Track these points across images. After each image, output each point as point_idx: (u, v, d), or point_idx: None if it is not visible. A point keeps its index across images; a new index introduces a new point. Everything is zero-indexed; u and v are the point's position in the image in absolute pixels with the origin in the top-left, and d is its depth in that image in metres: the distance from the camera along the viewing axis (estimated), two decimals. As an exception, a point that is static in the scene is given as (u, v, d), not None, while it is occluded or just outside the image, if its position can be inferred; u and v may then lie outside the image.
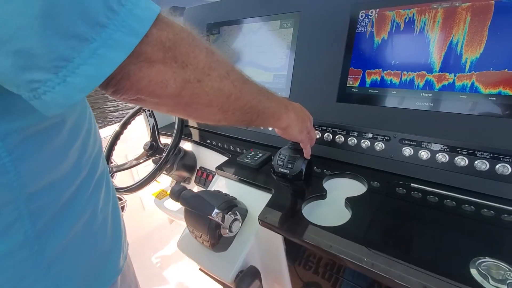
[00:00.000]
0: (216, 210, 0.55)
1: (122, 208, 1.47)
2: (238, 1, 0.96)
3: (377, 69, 0.66)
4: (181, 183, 1.01)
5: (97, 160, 0.45)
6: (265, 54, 0.86)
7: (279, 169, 0.67)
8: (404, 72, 0.63)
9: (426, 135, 0.59)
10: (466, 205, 0.52)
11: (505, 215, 0.49)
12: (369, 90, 0.67)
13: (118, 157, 1.28)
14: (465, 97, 0.56)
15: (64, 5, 0.22)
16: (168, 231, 1.42)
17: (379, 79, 0.66)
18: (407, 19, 0.62)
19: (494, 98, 0.53)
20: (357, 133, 0.68)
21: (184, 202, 0.56)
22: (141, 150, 0.93)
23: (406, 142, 0.61)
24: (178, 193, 0.56)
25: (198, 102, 0.34)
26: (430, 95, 0.59)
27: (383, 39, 0.65)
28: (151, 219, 1.60)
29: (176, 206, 0.98)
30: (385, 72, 0.65)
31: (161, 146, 0.92)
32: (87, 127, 0.42)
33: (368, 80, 0.67)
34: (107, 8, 0.24)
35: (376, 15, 0.66)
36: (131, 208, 1.48)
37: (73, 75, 0.23)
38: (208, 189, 0.77)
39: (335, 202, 0.59)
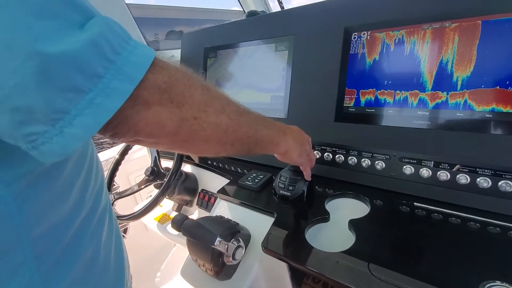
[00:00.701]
0: (218, 239, 0.54)
1: (125, 230, 1.45)
2: (234, 26, 0.99)
3: (370, 89, 0.67)
4: (183, 207, 1.00)
5: (100, 195, 0.45)
6: (262, 76, 0.88)
7: (280, 191, 0.67)
8: (398, 91, 0.64)
9: (425, 153, 0.59)
10: (472, 223, 0.52)
11: (511, 232, 0.48)
12: (366, 110, 0.67)
13: (119, 179, 1.28)
14: (462, 114, 0.56)
15: (60, 61, 0.22)
16: (172, 252, 1.40)
17: (373, 98, 0.67)
18: (396, 40, 0.64)
19: (491, 115, 0.53)
20: (356, 152, 0.68)
21: (186, 233, 0.56)
22: (142, 171, 0.93)
23: (406, 160, 0.61)
24: (179, 223, 0.56)
25: (196, 138, 0.34)
26: (427, 113, 0.60)
27: (374, 59, 0.67)
28: (155, 240, 1.58)
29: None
30: (378, 91, 0.66)
31: (162, 171, 0.92)
32: (88, 164, 0.42)
33: (363, 99, 0.68)
34: (104, 58, 0.25)
35: (368, 37, 0.67)
36: (133, 229, 1.47)
37: (69, 126, 0.24)
38: (210, 213, 0.76)
39: (339, 224, 0.58)
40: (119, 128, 0.28)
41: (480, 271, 0.42)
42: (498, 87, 0.53)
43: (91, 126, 0.25)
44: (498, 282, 0.39)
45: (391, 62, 0.65)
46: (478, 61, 0.55)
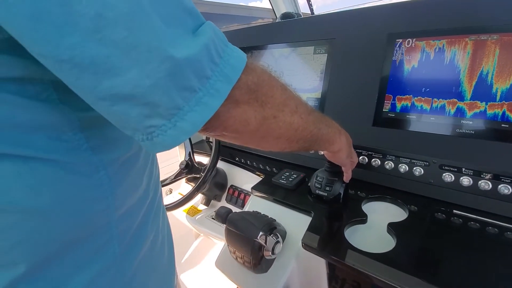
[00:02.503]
0: (261, 233, 0.56)
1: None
2: (270, 28, 1.01)
3: (407, 95, 0.68)
4: (212, 201, 1.03)
5: (157, 184, 0.49)
6: (298, 78, 0.90)
7: (317, 191, 0.68)
8: (435, 99, 0.65)
9: (467, 161, 0.60)
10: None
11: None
12: (406, 115, 0.68)
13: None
14: (500, 125, 0.56)
15: (184, 64, 0.25)
16: (194, 243, 1.44)
17: (409, 104, 0.68)
18: (436, 49, 0.65)
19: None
20: (394, 157, 0.69)
21: (231, 225, 0.58)
22: (172, 160, 0.95)
23: (446, 168, 0.62)
24: (225, 216, 0.58)
25: (271, 135, 0.37)
26: (466, 122, 0.61)
27: (413, 67, 0.68)
28: (176, 231, 1.62)
29: (209, 223, 1.00)
30: (415, 98, 0.67)
31: (196, 165, 0.95)
32: (152, 155, 0.45)
33: (399, 105, 0.70)
34: (211, 61, 0.28)
35: (408, 44, 0.68)
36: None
37: (182, 120, 0.27)
38: (244, 209, 0.79)
39: (377, 227, 0.60)
40: (211, 123, 0.30)
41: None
42: None
43: (197, 121, 0.28)
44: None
45: (430, 70, 0.66)
46: None
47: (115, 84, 0.24)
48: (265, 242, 0.58)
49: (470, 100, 0.61)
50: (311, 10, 1.63)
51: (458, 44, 0.62)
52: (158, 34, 0.24)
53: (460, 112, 0.62)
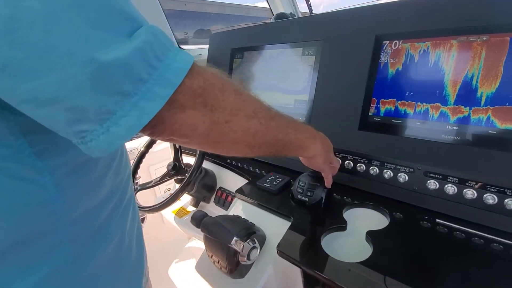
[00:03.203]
0: (235, 238, 0.55)
1: (142, 220, 1.51)
2: (262, 28, 1.00)
3: (391, 99, 0.66)
4: (200, 202, 1.03)
5: (127, 185, 0.48)
6: (287, 80, 0.88)
7: (298, 196, 0.67)
8: (419, 103, 0.63)
9: (453, 169, 0.57)
10: (495, 244, 0.50)
11: (540, 259, 0.46)
12: (392, 120, 0.66)
13: (140, 170, 1.33)
14: (494, 132, 0.54)
15: (112, 68, 0.24)
16: (186, 245, 1.44)
17: (393, 108, 0.66)
18: (421, 52, 0.63)
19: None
20: (379, 162, 0.67)
21: (204, 230, 0.57)
22: (162, 163, 0.96)
23: (431, 175, 0.60)
24: (199, 220, 0.58)
25: (226, 140, 0.36)
26: (451, 127, 0.58)
27: (397, 70, 0.66)
28: (171, 232, 1.62)
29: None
30: (399, 102, 0.65)
31: (183, 166, 0.95)
32: (119, 156, 0.45)
33: (382, 109, 0.68)
34: (148, 65, 0.27)
35: (398, 46, 0.66)
36: (151, 219, 1.52)
37: (115, 125, 0.26)
38: (227, 212, 0.78)
39: (356, 234, 0.58)
40: (157, 128, 0.30)
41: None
42: None
43: (133, 126, 0.27)
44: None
45: (414, 74, 0.64)
46: (504, 78, 0.53)
47: (34, 87, 0.23)
48: (241, 249, 0.56)
49: (453, 104, 0.58)
50: (310, 10, 1.62)
51: (443, 46, 0.60)
52: (80, 36, 0.23)
53: (443, 117, 0.59)
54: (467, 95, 0.57)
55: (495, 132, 0.54)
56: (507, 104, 0.53)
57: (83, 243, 0.37)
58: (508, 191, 0.52)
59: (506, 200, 0.52)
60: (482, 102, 0.55)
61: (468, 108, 0.57)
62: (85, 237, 0.37)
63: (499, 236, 0.51)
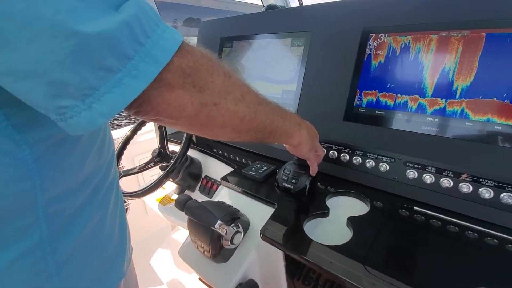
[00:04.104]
0: (219, 222, 0.56)
1: (126, 210, 1.48)
2: (252, 18, 0.99)
3: (373, 90, 0.68)
4: (185, 191, 1.02)
5: (110, 166, 0.47)
6: (275, 70, 0.89)
7: (283, 183, 0.68)
8: (399, 95, 0.65)
9: (431, 159, 0.60)
10: (470, 232, 0.52)
11: (509, 245, 0.49)
12: (376, 111, 0.68)
13: (124, 160, 1.30)
14: (471, 124, 0.56)
15: (95, 41, 0.23)
16: (170, 236, 1.43)
17: (375, 100, 0.68)
18: (402, 45, 0.65)
19: (486, 126, 0.54)
20: (362, 152, 0.69)
21: (188, 212, 0.57)
22: (147, 154, 0.95)
23: (410, 165, 0.62)
24: (183, 203, 0.57)
25: (213, 123, 0.36)
26: (436, 120, 0.60)
27: (380, 62, 0.68)
28: (154, 223, 1.61)
29: (179, 213, 0.99)
30: (380, 93, 0.67)
31: (168, 153, 0.94)
32: (102, 135, 0.44)
33: (365, 100, 0.69)
34: (135, 41, 0.26)
35: (382, 39, 0.68)
36: (134, 210, 1.50)
37: (98, 102, 0.25)
38: (212, 199, 0.78)
39: (337, 220, 0.59)
40: (143, 107, 0.29)
41: (471, 279, 0.43)
42: (495, 98, 0.54)
43: (117, 103, 0.26)
44: (488, 289, 0.40)
45: (395, 66, 0.66)
46: (478, 72, 0.56)
47: (14, 59, 0.22)
48: (225, 232, 0.57)
49: (431, 96, 0.61)
50: (300, 3, 1.62)
51: (423, 41, 0.62)
52: (63, 7, 0.22)
53: (421, 109, 0.62)
54: (444, 88, 0.59)
55: (469, 124, 0.57)
56: (480, 97, 0.55)
57: (61, 222, 0.36)
58: (482, 180, 0.54)
59: (480, 190, 0.54)
60: (457, 95, 0.58)
61: (444, 100, 0.59)
62: (64, 216, 0.36)
63: (473, 224, 0.53)
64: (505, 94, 0.53)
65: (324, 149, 0.73)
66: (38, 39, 0.22)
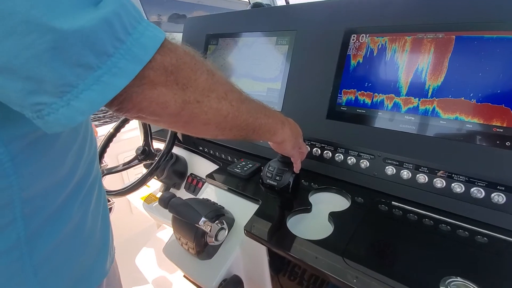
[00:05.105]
0: (203, 219, 0.56)
1: (110, 209, 1.46)
2: (238, 16, 0.99)
3: (352, 89, 0.71)
4: (171, 189, 1.01)
5: (92, 165, 0.46)
6: (260, 68, 0.89)
7: (267, 180, 0.69)
8: (376, 94, 0.68)
9: (408, 156, 0.62)
10: (443, 225, 0.55)
11: (479, 236, 0.52)
12: (357, 110, 0.70)
13: (108, 158, 1.28)
14: (445, 123, 0.59)
15: (73, 38, 0.23)
16: (155, 235, 1.42)
17: (353, 98, 0.70)
18: (379, 46, 0.67)
19: (471, 126, 0.57)
20: (344, 150, 0.71)
21: (172, 210, 0.57)
22: (131, 152, 0.94)
23: (389, 161, 0.64)
24: (167, 201, 0.57)
25: (196, 120, 0.36)
26: (413, 118, 0.63)
27: (358, 62, 0.70)
28: (138, 222, 1.59)
29: (164, 211, 0.98)
30: (359, 92, 0.70)
31: (153, 151, 0.93)
32: (83, 132, 0.43)
33: (344, 98, 0.72)
34: (115, 38, 0.26)
35: (363, 40, 0.70)
36: (118, 210, 1.47)
37: (76, 99, 0.25)
38: (197, 196, 0.78)
39: (319, 215, 0.61)
40: (124, 104, 0.29)
41: (444, 268, 0.45)
42: (463, 98, 0.57)
43: (96, 101, 0.26)
44: (459, 278, 0.43)
45: (372, 66, 0.68)
46: (448, 72, 0.59)
47: None
48: (209, 229, 0.57)
49: (405, 95, 0.64)
50: (287, 1, 1.63)
51: (398, 42, 0.65)
52: (40, 2, 0.22)
53: (396, 107, 0.65)
54: (417, 87, 0.62)
55: (440, 122, 0.60)
56: (450, 96, 0.59)
57: (39, 222, 0.35)
58: (455, 176, 0.57)
59: (453, 184, 0.57)
60: (429, 94, 0.61)
61: (417, 99, 0.62)
62: (42, 215, 0.36)
63: (447, 217, 0.56)
64: (471, 94, 0.56)
65: (307, 146, 0.75)
66: (13, 34, 0.22)
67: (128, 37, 0.27)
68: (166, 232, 1.38)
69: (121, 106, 0.30)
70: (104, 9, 0.25)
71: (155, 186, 1.08)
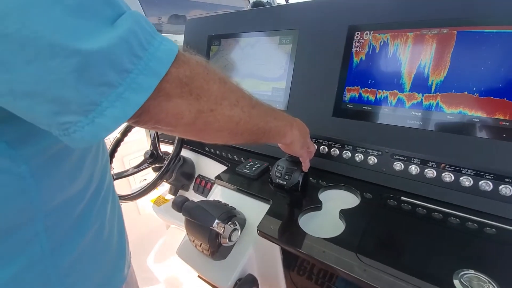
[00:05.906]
0: (216, 221, 0.57)
1: (118, 212, 1.47)
2: (239, 16, 0.99)
3: (355, 86, 0.72)
4: (179, 190, 1.03)
5: (105, 172, 0.47)
6: (264, 68, 0.90)
7: (277, 180, 0.70)
8: (379, 90, 0.68)
9: (415, 151, 0.63)
10: (452, 218, 0.56)
11: (487, 228, 0.53)
12: (363, 107, 0.71)
13: (114, 160, 1.29)
14: (446, 117, 0.60)
15: (96, 58, 0.24)
16: (164, 235, 1.43)
17: (357, 95, 0.71)
18: (382, 43, 0.68)
19: (476, 119, 0.57)
20: (351, 147, 0.72)
21: (186, 213, 0.58)
22: (137, 154, 0.94)
23: (397, 157, 0.65)
24: (180, 204, 0.58)
25: (210, 128, 0.37)
26: (416, 113, 0.64)
27: (361, 59, 0.71)
28: (147, 223, 1.61)
29: (174, 212, 0.99)
30: (362, 89, 0.70)
31: (161, 154, 0.94)
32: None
33: (348, 96, 0.72)
34: (133, 54, 0.26)
35: (365, 37, 0.70)
36: (125, 211, 1.49)
37: (100, 116, 0.26)
38: (207, 198, 0.79)
39: (330, 213, 0.62)
40: (142, 117, 0.30)
41: (456, 261, 0.46)
42: (466, 92, 0.58)
43: (119, 117, 0.27)
44: (471, 271, 0.44)
45: (375, 63, 0.69)
46: (451, 67, 0.59)
47: (12, 79, 0.22)
48: (222, 231, 0.58)
49: (409, 91, 0.64)
50: (287, 0, 1.63)
51: (400, 38, 0.65)
52: (60, 26, 0.23)
53: (400, 103, 0.65)
54: (420, 82, 0.63)
55: (444, 116, 0.60)
56: (453, 91, 0.59)
57: (60, 233, 0.36)
58: (463, 169, 0.58)
59: (461, 178, 0.58)
60: (433, 89, 0.61)
61: (421, 94, 0.63)
62: (63, 227, 0.37)
63: (456, 211, 0.57)
64: (474, 88, 0.57)
65: (315, 145, 0.76)
66: (37, 59, 0.22)
67: (144, 53, 0.27)
68: (175, 231, 1.40)
69: (139, 119, 0.31)
70: (120, 27, 0.26)
71: (163, 188, 1.10)
